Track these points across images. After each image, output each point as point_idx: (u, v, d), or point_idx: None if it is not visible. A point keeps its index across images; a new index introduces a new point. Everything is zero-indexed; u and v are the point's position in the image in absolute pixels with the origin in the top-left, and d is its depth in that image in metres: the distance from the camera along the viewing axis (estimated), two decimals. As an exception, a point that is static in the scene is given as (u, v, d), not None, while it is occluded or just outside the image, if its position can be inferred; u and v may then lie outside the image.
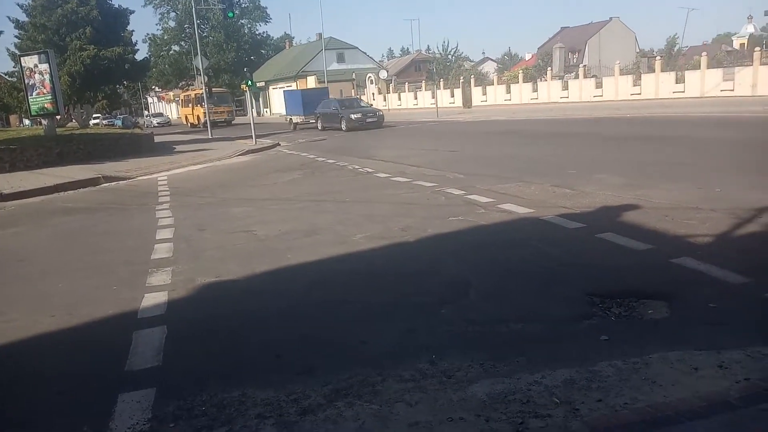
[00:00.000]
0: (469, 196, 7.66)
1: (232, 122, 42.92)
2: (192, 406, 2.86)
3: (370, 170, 11.25)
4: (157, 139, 23.11)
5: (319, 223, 6.95)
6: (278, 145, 20.46)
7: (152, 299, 4.52)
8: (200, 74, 28.48)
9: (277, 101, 63.77)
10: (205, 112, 32.59)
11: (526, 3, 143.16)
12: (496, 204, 7.00)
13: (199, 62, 27.49)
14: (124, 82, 39.62)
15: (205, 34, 69.37)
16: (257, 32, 77.23)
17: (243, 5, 74.11)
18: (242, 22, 74.33)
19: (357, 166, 12.05)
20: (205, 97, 31.16)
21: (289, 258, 5.43)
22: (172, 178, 13.04)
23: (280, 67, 64.36)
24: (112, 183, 12.70)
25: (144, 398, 2.97)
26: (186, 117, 46.15)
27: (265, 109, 67.22)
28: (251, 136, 21.04)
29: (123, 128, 36.88)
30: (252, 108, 34.10)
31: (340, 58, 60.03)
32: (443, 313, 3.84)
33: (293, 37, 76.09)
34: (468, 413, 2.60)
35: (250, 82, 22.34)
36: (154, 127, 49.06)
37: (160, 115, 65.09)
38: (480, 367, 3.03)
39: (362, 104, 30.66)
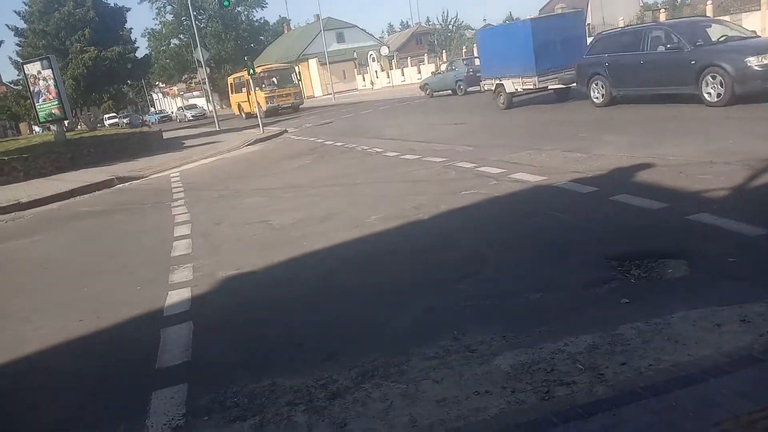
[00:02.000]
0: (480, 169, 7.63)
1: (301, 106, 33.02)
2: (224, 398, 2.93)
3: (379, 150, 11.23)
4: (165, 135, 23.23)
5: (333, 207, 6.99)
6: (286, 131, 20.46)
7: (176, 296, 4.60)
8: (202, 66, 28.46)
9: (280, 87, 63.62)
10: (267, 97, 30.40)
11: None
12: (508, 174, 6.97)
13: (200, 54, 27.40)
14: (128, 81, 39.71)
15: (203, 25, 68.97)
16: (254, 19, 76.74)
17: (238, -7, 73.44)
18: (239, 10, 73.68)
19: (365, 147, 12.04)
20: (250, 82, 25.97)
21: (305, 245, 5.47)
22: (184, 173, 13.13)
23: (280, 52, 63.96)
24: (126, 183, 12.82)
25: (177, 394, 3.04)
26: (239, 105, 36.44)
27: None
28: (258, 125, 21.04)
29: (131, 127, 37.08)
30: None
31: (340, 38, 59.55)
32: (461, 289, 3.86)
33: (290, 20, 75.44)
34: (494, 386, 2.63)
35: (252, 71, 22.24)
36: (189, 120, 46.02)
37: (194, 107, 55.45)
38: (502, 339, 3.06)
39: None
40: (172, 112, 63.77)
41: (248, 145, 17.50)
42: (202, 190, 10.22)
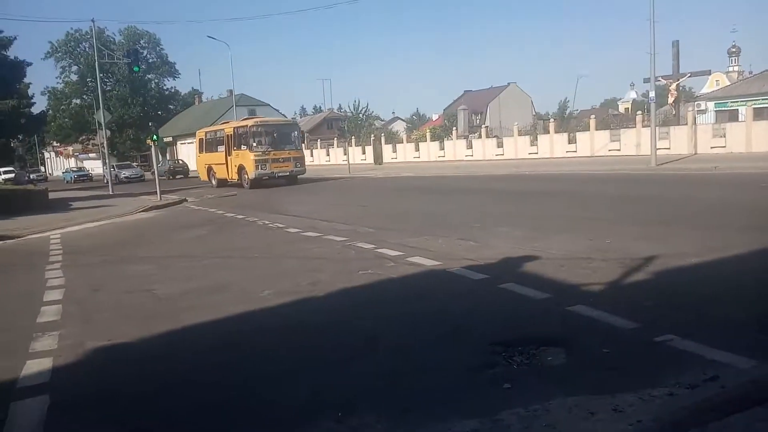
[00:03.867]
0: (378, 250, 7.72)
1: (301, 176, 24.72)
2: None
3: (280, 225, 11.12)
4: (52, 195, 21.73)
5: (225, 280, 6.72)
6: (185, 201, 19.83)
7: (35, 366, 4.13)
8: (102, 128, 27.31)
9: (185, 156, 62.33)
10: (257, 161, 22.40)
11: (432, 67, 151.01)
12: (405, 257, 7.10)
13: (101, 116, 26.43)
14: (19, 137, 37.33)
15: (109, 87, 67.29)
16: (165, 87, 76.02)
17: (150, 60, 72.87)
18: (149, 76, 72.92)
19: (267, 222, 11.88)
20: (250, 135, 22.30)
21: (189, 318, 5.17)
22: (66, 236, 12.21)
23: (189, 122, 63.17)
24: (-2, 242, 11.70)
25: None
26: (209, 169, 26.96)
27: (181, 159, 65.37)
28: (156, 191, 20.27)
29: (15, 184, 34.43)
30: (158, 164, 32.76)
31: (252, 114, 59.92)
32: (351, 368, 3.78)
33: (202, 93, 75.28)
34: (374, 472, 2.53)
35: (156, 137, 21.62)
36: (122, 182, 40.19)
37: (129, 166, 48.99)
38: (387, 421, 2.99)
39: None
40: (92, 170, 57.12)
41: (142, 211, 16.73)
42: (84, 255, 9.52)
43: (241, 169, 23.30)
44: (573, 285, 5.36)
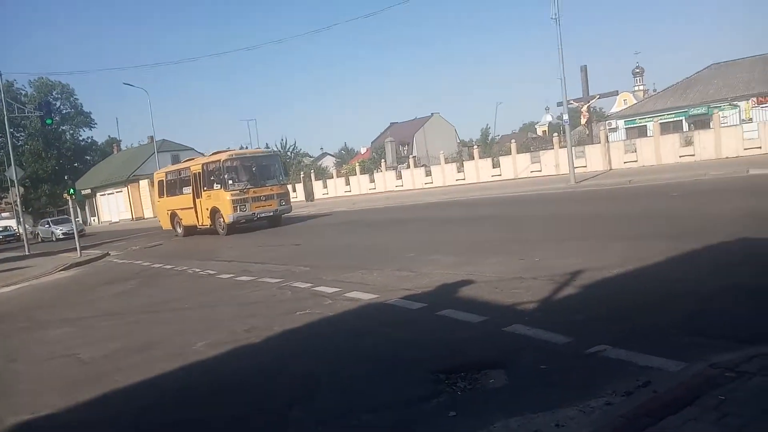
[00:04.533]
0: (315, 288, 7.61)
1: (285, 214, 21.10)
2: None
3: (212, 272, 10.77)
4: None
5: (155, 336, 6.41)
6: (108, 254, 18.92)
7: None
8: (14, 186, 25.76)
9: (106, 208, 59.83)
10: (234, 201, 18.78)
11: (357, 101, 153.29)
12: (343, 293, 7.03)
13: (12, 173, 24.92)
14: None
15: (20, 142, 64.06)
16: (81, 138, 73.15)
17: (64, 112, 70.19)
18: (64, 128, 70.04)
19: (198, 269, 11.49)
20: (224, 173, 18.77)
21: (118, 380, 4.87)
22: (-24, 303, 11.32)
23: (108, 172, 60.95)
24: None
25: None
26: (173, 215, 22.83)
27: (92, 218, 62.50)
28: (75, 248, 19.23)
29: None
30: (77, 218, 30.84)
31: (175, 160, 58.27)
32: (292, 416, 3.65)
33: (121, 141, 72.87)
34: None
35: (72, 191, 20.59)
36: (59, 239, 33.75)
37: (66, 221, 37.18)
38: (333, 467, 2.89)
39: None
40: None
41: (62, 270, 15.79)
42: (-3, 322, 8.84)
43: (214, 213, 19.60)
44: (508, 305, 5.47)
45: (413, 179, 37.87)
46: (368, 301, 6.47)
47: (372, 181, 41.13)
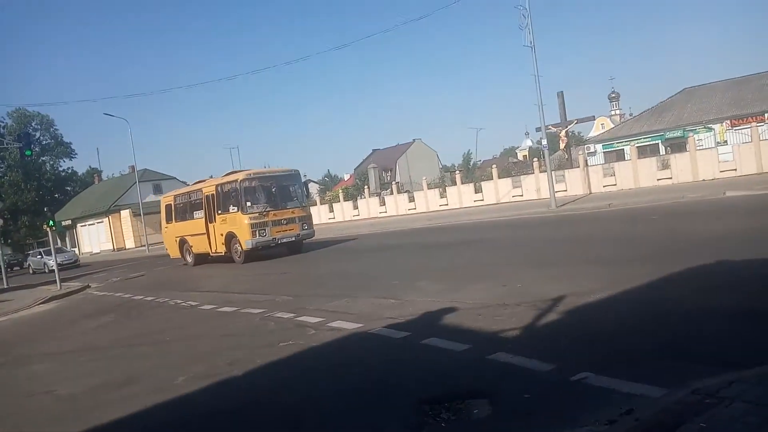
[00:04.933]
0: (299, 318, 7.55)
1: (307, 240, 18.94)
2: None
3: (194, 303, 10.64)
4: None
5: (136, 370, 6.29)
6: (88, 287, 18.62)
7: None
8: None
9: (87, 239, 59.02)
10: (253, 225, 16.92)
11: (340, 127, 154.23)
12: (326, 323, 6.99)
13: (-10, 205, 24.58)
14: None
15: (0, 174, 63.31)
16: (61, 169, 72.48)
17: (44, 142, 69.69)
18: (44, 159, 69.45)
19: (179, 301, 11.34)
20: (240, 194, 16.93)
21: (97, 418, 4.76)
22: (-50, 340, 11.04)
23: (89, 202, 60.27)
24: None
25: None
26: (182, 243, 20.87)
27: (73, 249, 61.56)
28: (55, 281, 18.91)
29: None
30: (74, 247, 30.20)
31: (157, 189, 57.93)
32: (275, 452, 3.59)
33: (101, 171, 72.32)
34: None
35: (52, 222, 20.31)
36: (51, 270, 27.58)
37: (60, 251, 36.17)
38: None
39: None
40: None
41: (40, 303, 15.51)
42: (-28, 360, 8.61)
43: (230, 239, 17.78)
44: (491, 333, 5.47)
45: (397, 205, 38.01)
46: (352, 330, 6.43)
47: (356, 207, 41.22)
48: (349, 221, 39.33)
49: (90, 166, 75.45)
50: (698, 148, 27.70)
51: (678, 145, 34.59)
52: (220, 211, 18.22)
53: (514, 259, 10.47)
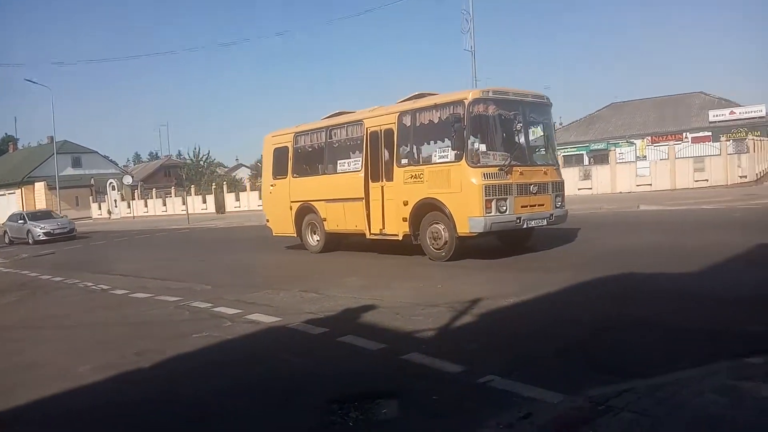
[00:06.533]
0: (215, 309, 7.38)
1: (558, 225, 10.99)
2: None
3: (105, 287, 10.17)
4: None
5: (35, 357, 5.95)
6: (-8, 262, 17.44)
7: None
8: None
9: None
10: (485, 188, 9.22)
11: (276, 112, 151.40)
12: (244, 315, 6.86)
13: None
14: None
15: None
16: (-28, 135, 67.37)
17: (-47, 106, 64.38)
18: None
19: (90, 283, 10.81)
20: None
21: (-11, 406, 4.47)
22: None
23: (1, 172, 56.45)
24: None
25: None
26: (309, 214, 12.76)
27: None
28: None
29: None
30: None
31: (76, 163, 55.23)
32: (176, 449, 3.50)
33: (18, 140, 67.84)
34: None
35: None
36: (38, 242, 24.57)
37: (48, 216, 28.16)
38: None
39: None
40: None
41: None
42: None
43: (424, 212, 10.22)
44: (407, 333, 5.56)
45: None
46: (269, 324, 6.35)
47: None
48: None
49: (6, 134, 70.64)
50: (619, 161, 29.23)
51: (601, 157, 36.36)
52: (405, 161, 10.58)
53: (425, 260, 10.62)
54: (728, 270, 7.62)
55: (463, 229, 9.46)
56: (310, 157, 13.30)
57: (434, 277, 8.67)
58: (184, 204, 39.16)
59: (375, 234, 11.25)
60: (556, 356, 4.64)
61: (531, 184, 9.84)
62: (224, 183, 47.58)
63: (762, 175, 28.18)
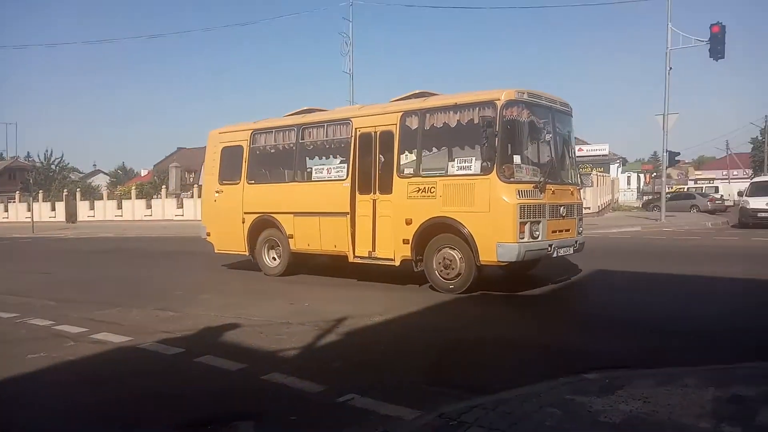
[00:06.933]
0: (57, 327, 6.69)
1: (580, 253, 9.18)
2: None
3: None
4: None
5: None
6: None
7: None
8: None
9: None
10: (521, 208, 7.64)
11: (143, 119, 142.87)
12: (89, 334, 6.29)
13: None
14: None
15: None
16: None
17: None
18: None
19: None
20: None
21: None
22: None
23: None
24: None
25: None
26: (268, 230, 10.58)
27: None
28: None
29: None
30: None
31: None
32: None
33: None
34: None
35: None
36: None
37: None
38: None
39: None
40: None
41: None
42: None
43: (431, 234, 8.47)
44: (270, 352, 5.42)
45: (196, 210, 36.14)
46: (119, 344, 5.88)
47: (149, 207, 38.37)
48: (140, 221, 36.45)
49: None
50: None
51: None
52: (409, 171, 8.83)
53: (309, 278, 10.53)
54: (577, 293, 8.35)
55: (489, 257, 7.80)
56: (273, 161, 11.07)
57: (302, 294, 8.58)
58: (29, 211, 35.44)
59: (361, 257, 9.24)
60: (415, 374, 4.77)
61: (561, 206, 8.41)
62: (77, 190, 43.83)
63: (603, 207, 31.44)
